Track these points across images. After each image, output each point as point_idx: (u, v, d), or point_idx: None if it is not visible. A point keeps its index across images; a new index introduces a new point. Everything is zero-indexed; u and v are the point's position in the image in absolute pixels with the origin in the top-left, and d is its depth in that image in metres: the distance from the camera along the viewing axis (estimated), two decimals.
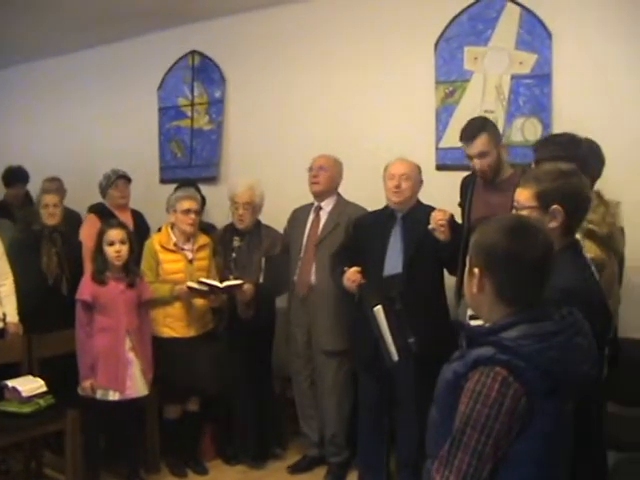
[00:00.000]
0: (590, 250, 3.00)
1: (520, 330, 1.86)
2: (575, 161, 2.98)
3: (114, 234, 4.22)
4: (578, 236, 2.96)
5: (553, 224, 2.39)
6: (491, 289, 1.95)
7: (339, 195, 4.73)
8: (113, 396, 4.17)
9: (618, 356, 3.30)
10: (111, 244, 4.20)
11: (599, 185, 3.33)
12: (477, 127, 3.88)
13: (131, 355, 4.24)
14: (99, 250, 4.24)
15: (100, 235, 4.27)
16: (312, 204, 4.75)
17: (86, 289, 4.20)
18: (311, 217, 4.71)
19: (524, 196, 2.48)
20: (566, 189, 2.41)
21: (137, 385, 4.25)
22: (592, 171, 3.25)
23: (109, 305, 4.19)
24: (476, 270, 1.96)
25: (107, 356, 4.16)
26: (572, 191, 2.42)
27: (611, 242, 3.15)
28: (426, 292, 3.98)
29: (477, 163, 3.82)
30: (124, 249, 4.21)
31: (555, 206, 2.39)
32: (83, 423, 4.16)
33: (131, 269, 4.30)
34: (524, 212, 2.46)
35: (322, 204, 4.68)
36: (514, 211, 2.54)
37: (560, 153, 3.20)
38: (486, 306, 1.98)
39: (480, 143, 3.78)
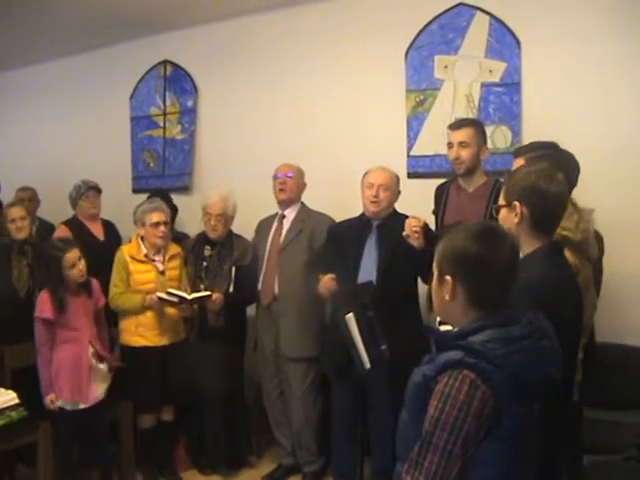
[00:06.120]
0: None
1: (487, 334, 1.88)
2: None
3: (70, 256, 4.13)
4: None
5: (515, 220, 2.48)
6: (463, 295, 1.97)
7: (302, 204, 4.74)
8: (82, 404, 4.15)
9: (594, 361, 3.36)
10: (73, 266, 4.14)
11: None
12: (468, 120, 4.16)
13: (94, 362, 4.19)
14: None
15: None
16: (276, 214, 4.76)
17: (46, 306, 4.13)
18: (274, 226, 4.72)
19: (501, 196, 2.58)
20: (523, 185, 2.49)
21: (97, 390, 4.21)
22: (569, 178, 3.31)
23: (71, 318, 4.16)
24: (448, 278, 1.97)
25: (71, 367, 4.12)
26: (528, 187, 2.47)
27: (585, 248, 3.18)
28: (399, 299, 3.97)
29: (455, 152, 3.90)
30: (81, 265, 4.16)
31: (515, 202, 2.48)
32: (55, 436, 4.12)
33: (87, 282, 4.25)
34: (500, 211, 2.56)
35: (285, 212, 4.69)
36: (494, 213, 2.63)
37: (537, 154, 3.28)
38: (457, 312, 2.00)
39: (465, 132, 3.91)
